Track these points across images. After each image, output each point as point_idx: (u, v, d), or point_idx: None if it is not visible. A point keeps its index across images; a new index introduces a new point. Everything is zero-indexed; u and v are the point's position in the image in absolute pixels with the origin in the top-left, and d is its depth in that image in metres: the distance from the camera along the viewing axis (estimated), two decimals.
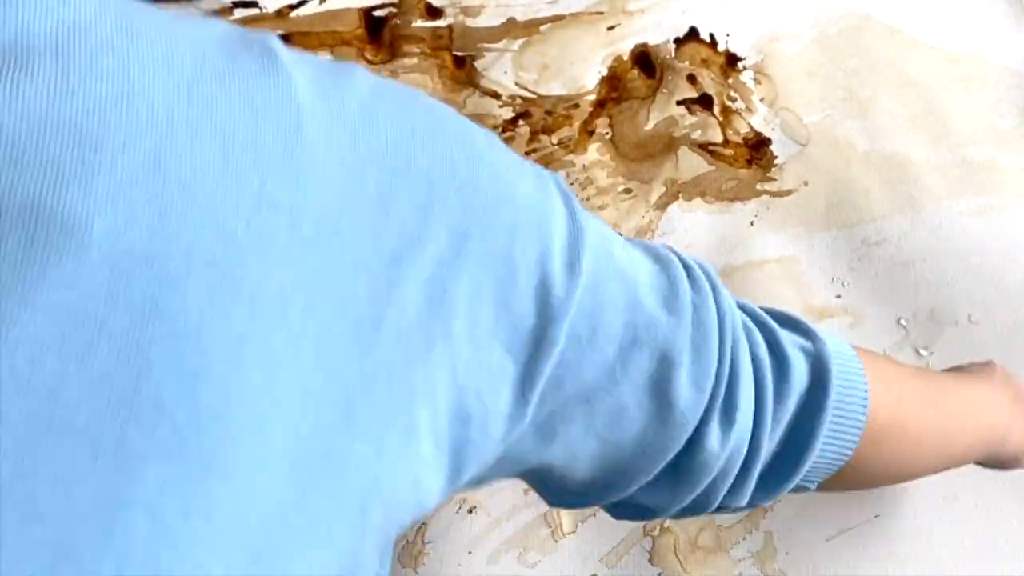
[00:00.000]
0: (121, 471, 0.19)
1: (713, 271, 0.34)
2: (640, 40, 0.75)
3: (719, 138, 0.71)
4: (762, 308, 0.38)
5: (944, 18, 0.75)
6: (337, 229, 0.22)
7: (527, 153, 0.71)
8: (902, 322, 0.63)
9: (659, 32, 0.75)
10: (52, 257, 0.19)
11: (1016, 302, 0.63)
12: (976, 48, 0.74)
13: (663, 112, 0.72)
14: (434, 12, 0.78)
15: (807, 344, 0.37)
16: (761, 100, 0.72)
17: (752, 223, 0.67)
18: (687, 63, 0.74)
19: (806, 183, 0.69)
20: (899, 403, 0.41)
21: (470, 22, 0.77)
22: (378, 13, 0.77)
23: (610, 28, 0.75)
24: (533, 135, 0.72)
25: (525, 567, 0.57)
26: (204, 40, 0.23)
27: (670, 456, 0.32)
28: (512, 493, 0.59)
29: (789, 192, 0.68)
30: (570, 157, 0.71)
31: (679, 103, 0.72)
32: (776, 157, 0.70)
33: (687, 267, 0.33)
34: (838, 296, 0.64)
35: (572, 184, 0.70)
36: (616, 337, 0.28)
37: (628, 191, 0.69)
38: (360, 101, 0.24)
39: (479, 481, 0.29)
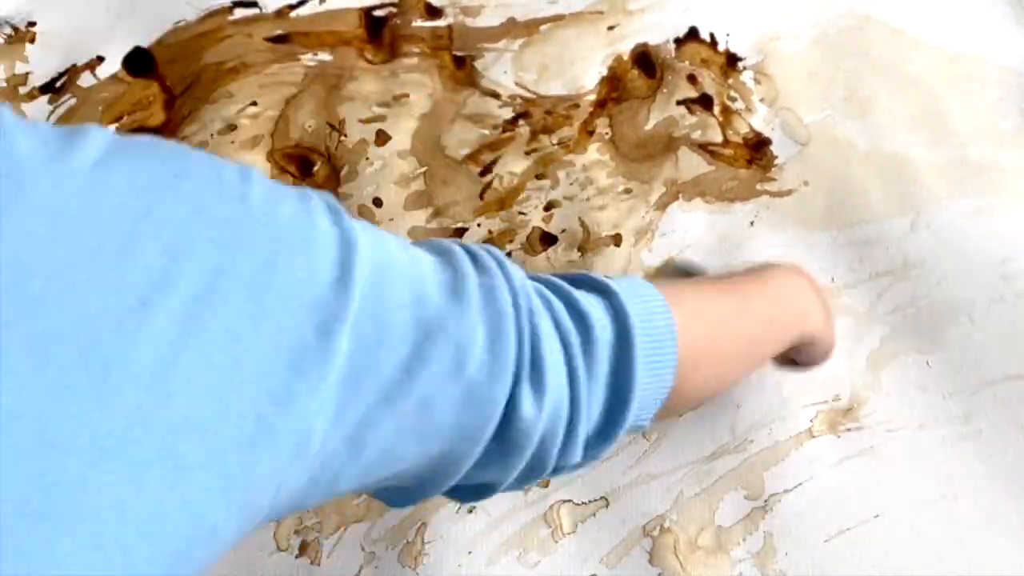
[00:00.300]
0: None
1: (500, 253, 0.36)
2: (640, 40, 0.75)
3: (719, 138, 0.71)
4: (557, 275, 0.40)
5: (945, 18, 0.75)
6: (73, 283, 0.22)
7: (527, 153, 0.71)
8: (902, 323, 0.63)
9: (659, 32, 0.75)
10: None
11: (1016, 302, 0.63)
12: (977, 48, 0.73)
13: (663, 112, 0.72)
14: (434, 12, 0.78)
15: (605, 300, 0.39)
16: (761, 100, 0.72)
17: (752, 223, 0.67)
18: (687, 63, 0.74)
19: (806, 183, 0.69)
20: (707, 326, 0.44)
21: (470, 22, 0.77)
22: (378, 13, 0.77)
23: (610, 28, 0.75)
24: (533, 135, 0.72)
25: (525, 567, 0.57)
26: None
27: (489, 433, 0.33)
28: (512, 494, 0.59)
29: (789, 192, 0.68)
30: (570, 157, 0.71)
31: (679, 103, 0.72)
32: (776, 157, 0.70)
33: (472, 254, 0.35)
34: (838, 296, 0.64)
35: (572, 184, 0.70)
36: (408, 335, 0.29)
37: (628, 191, 0.69)
38: (92, 158, 0.24)
39: (301, 504, 0.30)
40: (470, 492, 0.38)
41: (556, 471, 0.39)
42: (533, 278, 0.38)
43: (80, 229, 0.23)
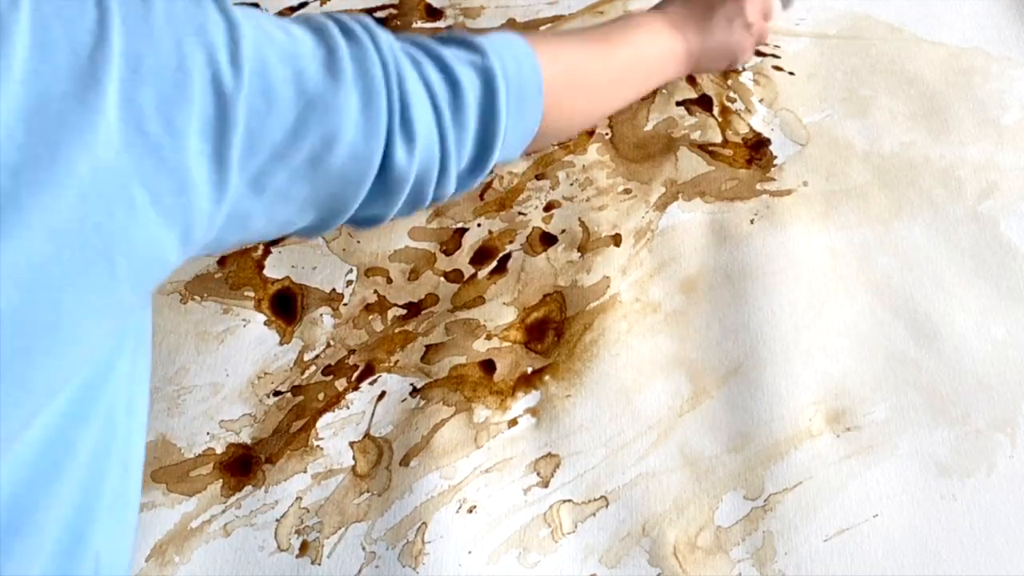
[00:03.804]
0: None
1: (371, 22, 0.41)
2: None
3: (718, 138, 0.71)
4: (436, 36, 0.46)
5: (945, 14, 0.75)
6: (44, 58, 0.28)
7: (527, 153, 0.71)
8: (902, 322, 0.63)
9: None
10: None
11: (1015, 303, 0.63)
12: (978, 42, 0.73)
13: (663, 113, 0.72)
14: (434, 13, 0.78)
15: (475, 57, 0.45)
16: (760, 101, 0.72)
17: (752, 223, 0.67)
18: None
19: (805, 183, 0.69)
20: (569, 70, 0.52)
21: (470, 23, 0.77)
22: (379, 14, 0.78)
23: None
24: None
25: (525, 567, 0.57)
26: None
27: (368, 181, 0.40)
28: (512, 493, 0.59)
29: (788, 192, 0.68)
30: (570, 158, 0.71)
31: (678, 104, 0.72)
32: (775, 157, 0.70)
33: (345, 28, 0.40)
34: (837, 296, 0.64)
35: (572, 184, 0.70)
36: (292, 104, 0.36)
37: (628, 191, 0.69)
38: None
39: (220, 242, 0.36)
40: (363, 222, 0.45)
41: (434, 200, 0.46)
42: (404, 40, 0.44)
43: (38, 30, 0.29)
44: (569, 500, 0.59)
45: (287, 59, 0.36)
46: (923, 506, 0.57)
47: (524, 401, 0.62)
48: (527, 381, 0.63)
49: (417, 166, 0.42)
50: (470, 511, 0.59)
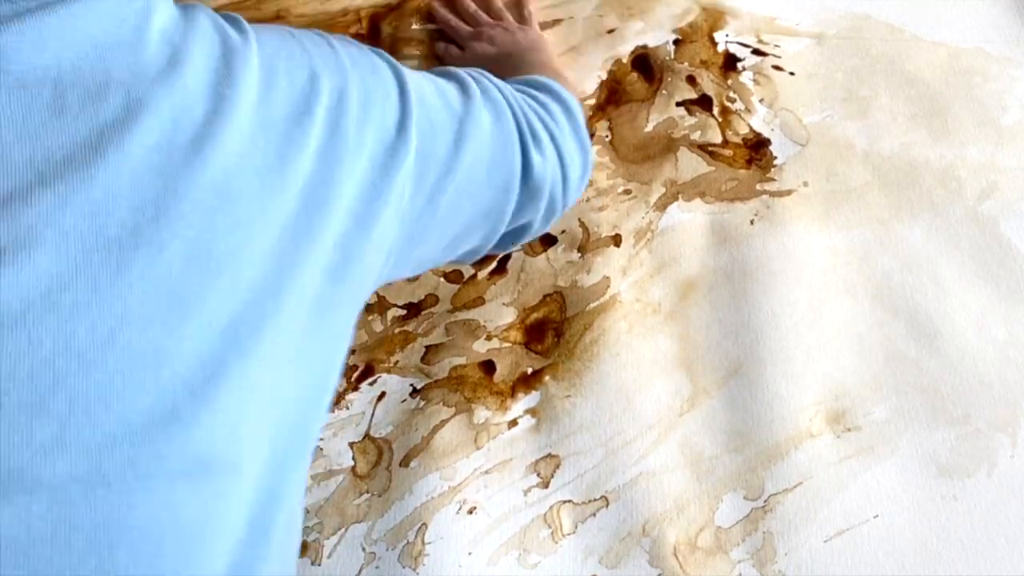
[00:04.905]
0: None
1: (489, 75, 0.50)
2: (640, 42, 0.75)
3: (718, 139, 0.71)
4: (514, 80, 0.56)
5: (945, 14, 0.75)
6: (269, 98, 0.35)
7: None
8: (902, 322, 0.63)
9: (659, 34, 0.75)
10: None
11: (1016, 303, 0.63)
12: (978, 42, 0.73)
13: (663, 113, 0.72)
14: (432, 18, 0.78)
15: (551, 94, 0.55)
16: (760, 101, 0.72)
17: (752, 223, 0.67)
18: (686, 64, 0.74)
19: (805, 183, 0.69)
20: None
21: None
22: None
23: (610, 31, 0.75)
24: None
25: (525, 568, 0.57)
26: None
27: (517, 185, 0.47)
28: (512, 494, 0.59)
29: (789, 192, 0.68)
30: None
31: (678, 104, 0.72)
32: (775, 157, 0.70)
33: (473, 77, 0.48)
34: (838, 296, 0.64)
35: None
36: (448, 125, 0.43)
37: (628, 192, 0.69)
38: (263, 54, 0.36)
39: (403, 255, 0.41)
40: (516, 235, 0.53)
41: (565, 207, 0.54)
42: (511, 84, 0.53)
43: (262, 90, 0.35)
44: (569, 501, 0.59)
45: (435, 90, 0.44)
46: (923, 506, 0.57)
47: (524, 402, 0.62)
48: (527, 382, 0.63)
49: (549, 170, 0.49)
50: (470, 512, 0.59)
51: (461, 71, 0.49)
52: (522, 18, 0.74)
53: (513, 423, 0.62)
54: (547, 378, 0.63)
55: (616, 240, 0.67)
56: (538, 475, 0.60)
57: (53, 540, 0.27)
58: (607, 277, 0.66)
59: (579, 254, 0.67)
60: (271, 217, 0.33)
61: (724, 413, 0.61)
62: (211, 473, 0.31)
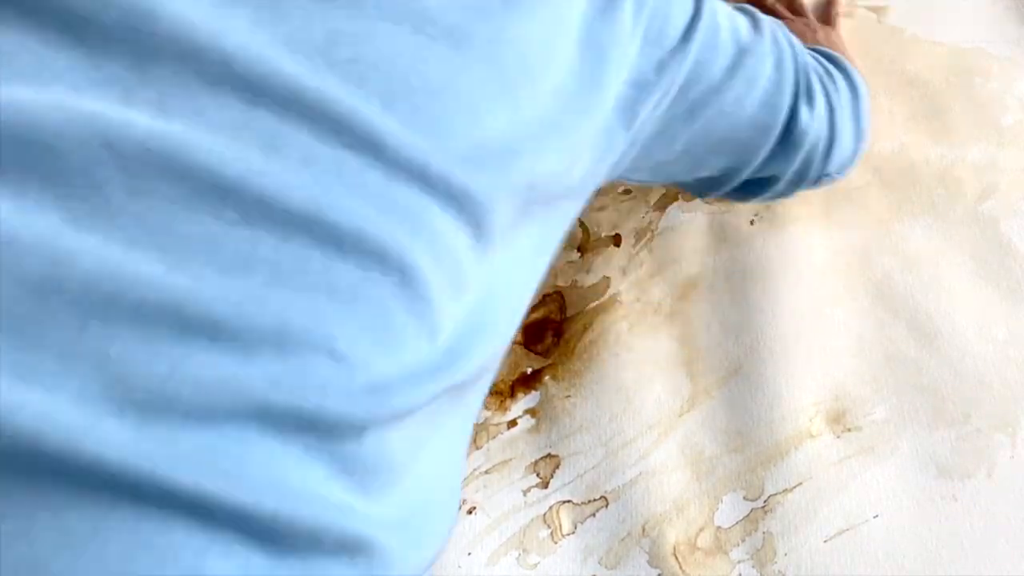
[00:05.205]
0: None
1: (786, 27, 0.50)
2: None
3: None
4: (811, 47, 0.55)
5: (945, 14, 0.75)
6: None
7: None
8: (902, 322, 0.63)
9: None
10: None
11: (1016, 303, 0.63)
12: (978, 42, 0.73)
13: None
14: None
15: (840, 68, 0.55)
16: None
17: (752, 223, 0.67)
18: None
19: None
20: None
21: None
22: None
23: None
24: None
25: (524, 568, 0.57)
26: None
27: (778, 129, 0.48)
28: (511, 494, 0.59)
29: None
30: None
31: None
32: None
33: (769, 21, 0.49)
34: (837, 296, 0.64)
35: None
36: (729, 50, 0.44)
37: (627, 192, 0.69)
38: None
39: (644, 157, 0.44)
40: (758, 185, 0.53)
41: (816, 181, 0.54)
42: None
43: None
44: (569, 501, 0.59)
45: (727, 17, 0.45)
46: (923, 507, 0.57)
47: (524, 402, 0.62)
48: (526, 382, 0.63)
49: (814, 128, 0.49)
50: (470, 512, 0.59)
51: (759, 12, 0.49)
52: (828, 18, 0.71)
53: (512, 423, 0.62)
54: (547, 378, 0.63)
55: (616, 240, 0.67)
56: (537, 475, 0.60)
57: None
58: (607, 277, 0.66)
59: (579, 254, 0.67)
60: (588, 54, 0.36)
61: (724, 413, 0.61)
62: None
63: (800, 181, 0.53)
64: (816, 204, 0.68)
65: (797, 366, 0.62)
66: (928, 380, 0.61)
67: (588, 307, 0.65)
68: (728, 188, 0.53)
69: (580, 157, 0.38)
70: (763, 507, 0.58)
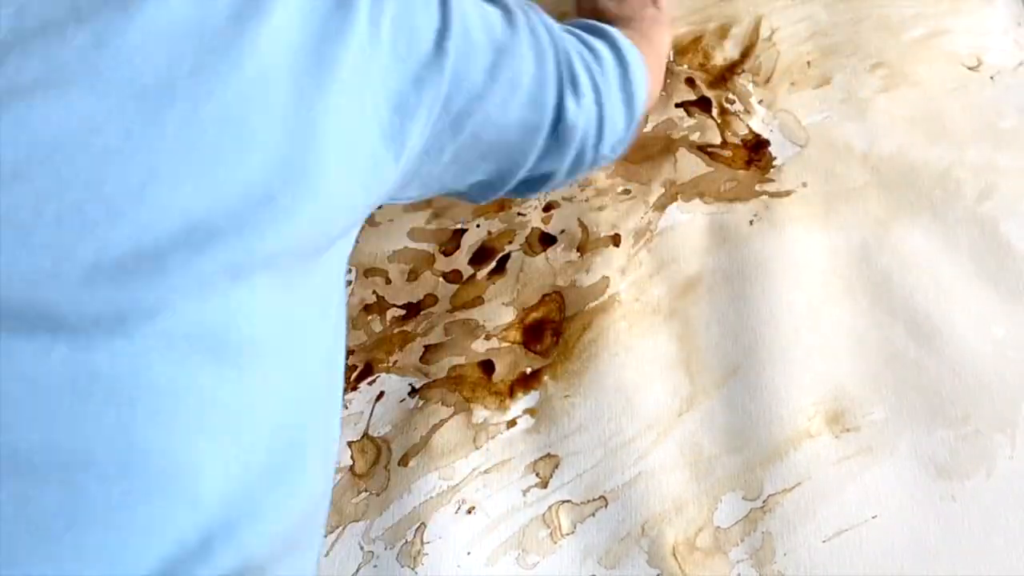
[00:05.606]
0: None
1: (540, 10, 0.48)
2: None
3: (718, 140, 0.71)
4: (570, 21, 0.54)
5: (944, 18, 0.75)
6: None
7: None
8: (901, 323, 0.63)
9: None
10: None
11: (1015, 303, 0.63)
12: (976, 47, 0.74)
13: (661, 114, 0.72)
14: None
15: (606, 40, 0.53)
16: (759, 102, 0.72)
17: (751, 223, 0.67)
18: (685, 66, 0.74)
19: (804, 184, 0.69)
20: (656, 56, 0.62)
21: None
22: None
23: None
24: None
25: (523, 568, 0.57)
26: None
27: (547, 128, 0.46)
28: (511, 494, 0.59)
29: (788, 193, 0.68)
30: None
31: (677, 105, 0.73)
32: (775, 158, 0.70)
33: (523, 9, 0.47)
34: (837, 297, 0.64)
35: (571, 185, 0.70)
36: (487, 49, 0.42)
37: (627, 192, 0.70)
38: None
39: (415, 168, 0.41)
40: (534, 183, 0.51)
41: (592, 163, 0.52)
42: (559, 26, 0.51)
43: None
44: (568, 501, 0.59)
45: (479, 14, 0.43)
46: (922, 507, 0.57)
47: (523, 401, 0.62)
48: (526, 381, 0.63)
49: (583, 118, 0.48)
50: (469, 512, 0.59)
51: (511, 1, 0.47)
52: None
53: (512, 423, 0.62)
54: (546, 378, 0.63)
55: (615, 240, 0.67)
56: (537, 475, 0.60)
57: (74, 385, 0.26)
58: (606, 277, 0.66)
59: (578, 254, 0.67)
60: (306, 99, 0.32)
61: (723, 413, 0.61)
62: (226, 350, 0.29)
63: (576, 170, 0.52)
64: (816, 204, 0.68)
65: (796, 366, 0.62)
66: (927, 380, 0.61)
67: (587, 307, 0.65)
68: (504, 191, 0.51)
69: (340, 207, 0.36)
70: (762, 507, 0.58)
